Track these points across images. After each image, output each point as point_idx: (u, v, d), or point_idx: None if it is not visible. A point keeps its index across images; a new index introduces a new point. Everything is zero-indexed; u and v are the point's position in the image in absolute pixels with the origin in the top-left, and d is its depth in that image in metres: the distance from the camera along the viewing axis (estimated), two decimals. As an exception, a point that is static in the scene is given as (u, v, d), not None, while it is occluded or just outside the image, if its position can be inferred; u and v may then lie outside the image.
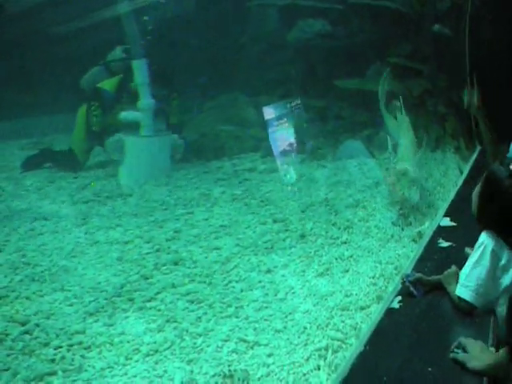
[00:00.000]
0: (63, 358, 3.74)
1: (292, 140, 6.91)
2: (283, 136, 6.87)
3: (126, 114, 7.73)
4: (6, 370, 3.67)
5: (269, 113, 6.77)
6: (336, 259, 4.91)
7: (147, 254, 5.14)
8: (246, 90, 9.23)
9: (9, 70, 9.51)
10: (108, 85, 7.97)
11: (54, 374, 3.61)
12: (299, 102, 6.98)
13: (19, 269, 4.94)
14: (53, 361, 3.73)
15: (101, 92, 7.94)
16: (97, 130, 7.90)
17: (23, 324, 4.12)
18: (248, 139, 8.45)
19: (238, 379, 3.43)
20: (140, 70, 7.54)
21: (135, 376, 3.54)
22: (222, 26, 9.88)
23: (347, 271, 4.71)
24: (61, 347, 3.84)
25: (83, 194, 6.90)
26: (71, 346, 3.84)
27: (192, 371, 3.56)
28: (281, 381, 3.44)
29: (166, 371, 3.57)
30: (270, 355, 3.68)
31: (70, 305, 4.33)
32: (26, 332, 4.02)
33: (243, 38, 9.85)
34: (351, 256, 4.96)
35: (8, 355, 3.81)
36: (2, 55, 9.10)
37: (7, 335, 4.00)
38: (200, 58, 9.63)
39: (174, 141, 7.92)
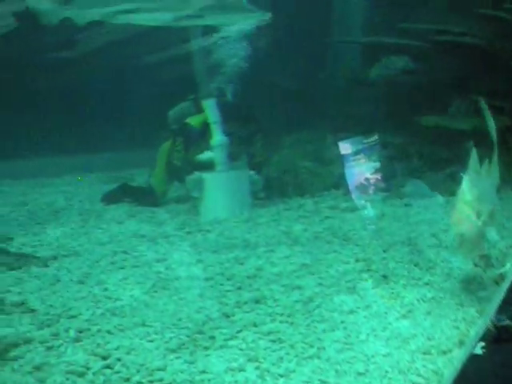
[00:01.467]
0: (148, 396, 3.72)
1: (373, 177, 6.83)
2: (364, 173, 6.80)
3: (200, 156, 7.78)
4: (87, 404, 3.68)
5: (348, 149, 6.71)
6: (418, 301, 4.80)
7: (228, 291, 5.11)
8: (327, 126, 9.20)
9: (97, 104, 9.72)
10: (195, 121, 8.04)
11: (137, 414, 3.59)
12: (379, 138, 6.91)
13: (101, 302, 4.97)
14: (135, 399, 3.72)
15: (188, 128, 8.02)
16: (178, 166, 7.96)
17: (104, 358, 4.12)
18: (329, 176, 8.38)
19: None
20: (211, 109, 7.64)
21: (215, 417, 3.50)
22: (300, 62, 9.90)
23: (429, 313, 4.60)
24: (141, 383, 3.83)
25: (163, 228, 6.94)
26: (152, 382, 3.81)
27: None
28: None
29: (244, 411, 3.52)
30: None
31: (151, 340, 4.31)
32: (108, 366, 4.02)
33: (323, 75, 9.84)
34: (433, 298, 4.84)
35: (89, 389, 3.82)
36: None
37: (88, 369, 4.00)
38: (280, 94, 9.66)
39: (251, 177, 7.91)
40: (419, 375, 3.76)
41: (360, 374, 3.83)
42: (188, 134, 7.99)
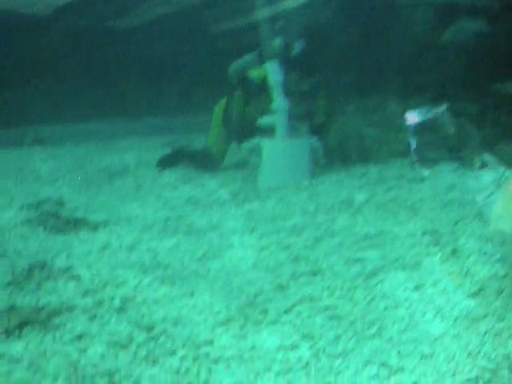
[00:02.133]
0: (188, 369, 3.48)
1: (443, 147, 6.47)
2: (433, 143, 6.46)
3: (260, 121, 7.49)
4: (128, 377, 3.46)
5: (417, 118, 6.38)
6: (490, 278, 4.43)
7: (284, 262, 4.85)
8: (395, 92, 8.80)
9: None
10: (256, 74, 7.71)
11: (177, 387, 3.36)
12: (451, 106, 6.54)
13: (149, 270, 4.78)
14: (177, 372, 3.48)
15: (248, 80, 7.69)
16: (236, 125, 7.67)
17: (149, 329, 3.92)
18: (396, 144, 7.98)
19: (380, 409, 3.04)
20: (273, 71, 7.33)
21: (265, 397, 3.23)
22: (368, 26, 9.54)
23: (501, 292, 4.24)
24: (187, 357, 3.59)
25: (218, 195, 6.71)
26: (198, 357, 3.58)
27: (328, 396, 3.21)
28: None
29: (299, 394, 3.23)
30: (415, 383, 3.29)
31: (200, 312, 4.09)
32: (152, 338, 3.82)
33: (391, 39, 9.42)
34: (506, 275, 4.45)
35: (131, 362, 3.61)
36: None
37: (132, 340, 3.81)
38: (346, 58, 9.31)
39: (313, 144, 7.58)
40: (489, 359, 3.45)
41: (425, 356, 3.53)
42: (248, 87, 7.66)
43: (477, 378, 3.27)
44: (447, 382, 3.28)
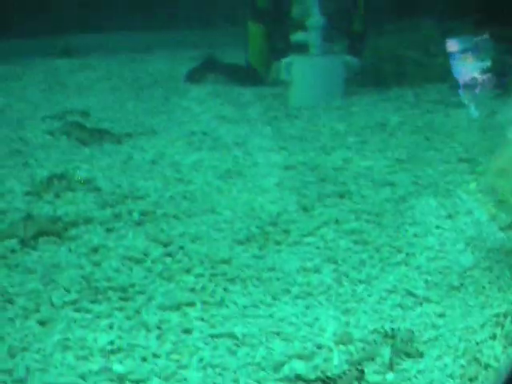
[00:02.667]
0: (204, 288, 3.37)
1: (486, 73, 6.19)
2: (475, 67, 6.18)
3: (294, 37, 7.21)
4: (142, 293, 3.37)
5: (458, 41, 6.10)
6: (526, 211, 4.23)
7: (310, 182, 4.68)
8: (433, 14, 8.42)
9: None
10: None
11: (191, 304, 3.24)
12: (494, 30, 6.23)
13: (171, 184, 4.66)
14: (192, 290, 3.37)
15: None
16: (278, 43, 7.44)
17: (166, 245, 3.80)
18: (435, 68, 7.66)
19: (401, 340, 2.88)
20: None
21: (282, 320, 3.09)
22: None
23: (537, 226, 4.04)
24: (203, 276, 3.48)
25: (247, 111, 6.50)
26: (214, 275, 3.46)
27: (348, 323, 3.07)
28: (450, 347, 2.89)
29: (317, 319, 3.10)
30: (441, 315, 3.14)
31: (219, 230, 3.96)
32: (168, 254, 3.70)
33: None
34: (544, 209, 4.26)
35: (145, 277, 3.51)
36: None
37: (147, 255, 3.70)
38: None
39: (348, 62, 7.30)
40: (521, 296, 3.25)
41: (453, 287, 3.39)
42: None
43: (506, 313, 3.10)
44: (475, 315, 3.14)
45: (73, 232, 4.02)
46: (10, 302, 3.40)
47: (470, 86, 6.23)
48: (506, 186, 3.63)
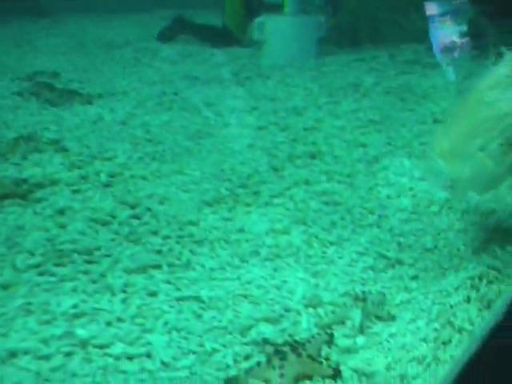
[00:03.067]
0: (171, 250, 3.30)
1: (463, 35, 6.12)
2: (453, 30, 6.11)
3: None
4: (108, 256, 3.29)
5: (437, 4, 6.02)
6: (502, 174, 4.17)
7: (281, 142, 4.61)
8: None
9: None
10: None
11: (158, 267, 3.18)
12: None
13: (140, 145, 4.56)
14: (159, 252, 3.30)
15: None
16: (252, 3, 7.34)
17: (133, 207, 3.72)
18: (411, 28, 7.56)
19: (372, 303, 2.82)
20: None
21: (249, 283, 3.04)
22: None
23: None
24: (170, 238, 3.41)
25: (219, 71, 6.40)
26: (181, 237, 3.39)
27: (317, 285, 3.02)
28: (423, 311, 2.84)
29: (285, 282, 3.04)
30: (413, 278, 3.10)
31: (187, 191, 3.88)
32: (135, 216, 3.62)
33: None
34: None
35: (112, 240, 3.43)
36: None
37: (114, 218, 3.62)
38: None
39: (321, 22, 7.19)
40: (496, 258, 3.23)
41: (427, 249, 3.35)
42: None
43: (481, 276, 3.05)
44: (449, 278, 3.10)
45: (38, 194, 3.92)
46: (-28, 266, 3.32)
47: (448, 48, 6.15)
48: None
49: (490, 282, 3.00)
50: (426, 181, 3.85)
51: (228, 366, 2.55)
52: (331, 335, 2.66)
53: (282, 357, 2.45)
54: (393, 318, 2.80)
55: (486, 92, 3.31)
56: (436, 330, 2.70)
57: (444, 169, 3.20)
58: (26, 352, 2.68)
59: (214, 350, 2.63)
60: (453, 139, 3.25)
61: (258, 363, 2.48)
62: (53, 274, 3.17)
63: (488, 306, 2.84)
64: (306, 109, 5.34)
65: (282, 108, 5.33)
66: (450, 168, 3.19)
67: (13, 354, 2.68)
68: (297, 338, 2.64)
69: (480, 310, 2.82)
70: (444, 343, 2.63)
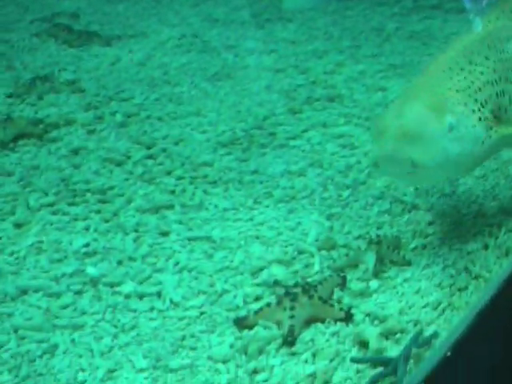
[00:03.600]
0: (184, 190, 3.28)
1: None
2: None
3: None
4: (121, 195, 3.29)
5: None
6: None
7: (300, 85, 4.53)
8: None
9: None
10: None
11: (170, 207, 3.17)
12: None
13: (158, 86, 4.52)
14: (172, 192, 3.29)
15: None
16: None
17: (148, 147, 3.70)
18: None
19: (388, 247, 2.76)
20: None
21: (262, 224, 3.02)
22: None
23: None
24: (183, 178, 3.39)
25: (240, 13, 6.27)
26: (195, 178, 3.37)
27: (331, 228, 2.98)
28: (439, 256, 2.78)
29: (299, 223, 3.01)
30: (430, 224, 3.02)
31: (203, 132, 3.85)
32: (150, 157, 3.61)
33: None
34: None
35: (126, 180, 3.42)
36: None
37: (129, 158, 3.61)
38: None
39: None
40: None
41: (445, 195, 3.27)
42: None
43: (500, 224, 2.97)
44: (466, 224, 3.02)
45: (53, 134, 3.92)
46: (-14, 205, 3.31)
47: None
48: None
49: (509, 231, 2.95)
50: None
51: (238, 307, 2.54)
52: (344, 278, 2.63)
53: (293, 298, 2.43)
54: (408, 262, 2.76)
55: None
56: (452, 276, 2.67)
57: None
58: (36, 290, 2.69)
59: (225, 291, 2.62)
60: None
61: (269, 304, 2.46)
62: (65, 213, 3.17)
63: (506, 254, 2.79)
64: (326, 52, 5.24)
65: (302, 51, 5.23)
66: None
67: (24, 292, 2.69)
68: (309, 280, 2.61)
69: (498, 257, 2.78)
70: (460, 290, 2.60)
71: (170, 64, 4.92)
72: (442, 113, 2.69)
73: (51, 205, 3.24)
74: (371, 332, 2.35)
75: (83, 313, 2.56)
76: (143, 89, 4.47)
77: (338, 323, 2.42)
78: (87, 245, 2.92)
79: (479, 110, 2.82)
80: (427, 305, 2.51)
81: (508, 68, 3.08)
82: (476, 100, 2.84)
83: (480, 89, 2.89)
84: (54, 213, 3.19)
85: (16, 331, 2.49)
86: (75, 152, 3.71)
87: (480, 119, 2.79)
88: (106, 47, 5.37)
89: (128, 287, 2.66)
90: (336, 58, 5.10)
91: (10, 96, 4.46)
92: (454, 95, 2.81)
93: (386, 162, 2.64)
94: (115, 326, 2.48)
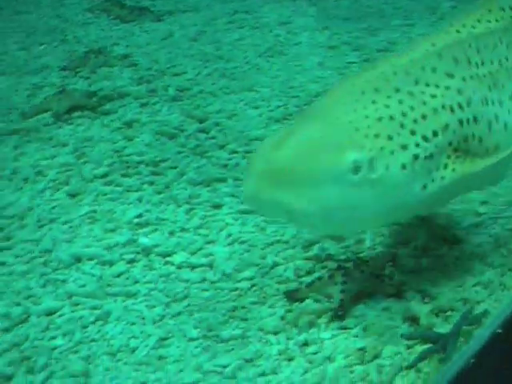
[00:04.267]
0: (237, 164, 3.31)
1: None
2: None
3: None
4: (174, 168, 3.32)
5: None
6: None
7: (352, 63, 4.48)
8: None
9: None
10: None
11: (223, 180, 3.19)
12: None
13: (210, 62, 4.52)
14: (224, 166, 3.31)
15: None
16: None
17: (201, 121, 3.72)
18: None
19: (438, 225, 2.77)
20: None
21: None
22: None
23: None
24: (236, 152, 3.41)
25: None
26: (248, 152, 3.35)
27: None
28: (491, 236, 2.75)
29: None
30: (483, 203, 2.96)
31: (256, 107, 3.85)
32: (203, 130, 3.63)
33: None
34: None
35: (178, 153, 3.45)
36: None
37: (182, 131, 3.64)
38: None
39: None
40: None
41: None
42: None
43: None
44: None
45: (107, 107, 3.96)
46: (42, 174, 3.37)
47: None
48: None
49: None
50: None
51: (289, 280, 2.54)
52: (395, 255, 2.62)
53: (345, 273, 2.43)
54: (459, 241, 2.73)
55: None
56: (503, 256, 2.63)
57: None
58: (90, 258, 2.74)
59: (276, 264, 2.63)
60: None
61: (320, 278, 2.46)
62: (119, 185, 3.21)
63: None
64: (379, 30, 5.15)
65: (354, 28, 5.15)
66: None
67: (77, 260, 2.74)
68: (361, 255, 2.60)
69: None
70: (511, 269, 2.56)
71: (223, 40, 4.91)
72: (341, 147, 2.08)
73: (104, 176, 3.29)
74: (421, 309, 2.35)
75: (135, 281, 2.60)
76: (195, 64, 4.47)
77: (389, 299, 2.41)
78: (140, 215, 2.96)
79: (417, 146, 2.17)
80: (478, 283, 2.49)
81: (494, 83, 2.47)
82: (413, 132, 2.17)
83: (425, 117, 2.23)
84: (107, 184, 3.23)
85: (70, 297, 2.54)
86: (128, 125, 3.74)
87: (416, 157, 2.16)
88: (158, 22, 5.38)
89: (180, 258, 2.69)
90: (389, 35, 5.01)
91: (63, 69, 4.52)
92: (372, 125, 2.14)
93: (250, 202, 2.18)
94: (167, 296, 2.51)
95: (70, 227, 2.94)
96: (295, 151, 2.08)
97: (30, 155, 3.55)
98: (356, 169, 2.07)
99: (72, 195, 3.17)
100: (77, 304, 2.50)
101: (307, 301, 2.41)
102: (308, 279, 2.50)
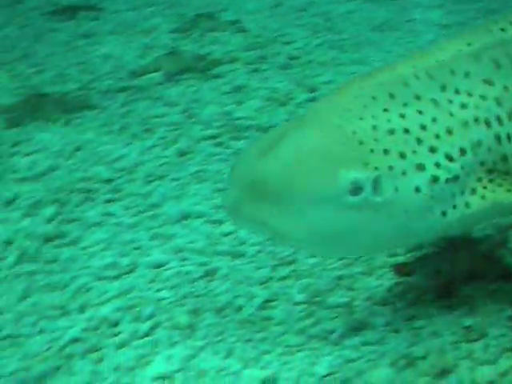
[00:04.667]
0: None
1: None
2: None
3: None
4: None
5: None
6: None
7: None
8: None
9: None
10: None
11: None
12: None
13: (320, 33, 4.47)
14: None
15: None
16: None
17: (311, 91, 3.69)
18: None
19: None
20: None
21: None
22: None
23: None
24: None
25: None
26: None
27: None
28: None
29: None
30: None
31: None
32: (313, 99, 3.55)
33: None
34: None
35: (288, 120, 3.39)
36: None
37: (291, 99, 3.62)
38: None
39: None
40: None
41: None
42: None
43: None
44: None
45: (216, 70, 3.98)
46: (151, 131, 3.41)
47: None
48: None
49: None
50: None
51: (397, 253, 2.50)
52: (506, 237, 2.57)
53: (455, 251, 2.40)
54: None
55: None
56: None
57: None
58: (198, 216, 2.76)
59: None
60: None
61: (429, 254, 2.44)
62: (228, 147, 3.23)
63: None
64: (494, 11, 4.94)
65: (470, 8, 5.01)
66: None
67: (186, 216, 2.76)
68: (470, 236, 2.56)
69: None
70: None
71: (333, 11, 4.84)
72: (338, 162, 1.77)
73: (214, 137, 3.31)
74: (531, 293, 2.30)
75: (243, 242, 2.61)
76: (305, 34, 4.44)
77: (498, 281, 2.37)
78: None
79: (437, 166, 1.86)
80: None
81: None
82: (433, 149, 1.86)
83: (450, 131, 1.90)
84: (216, 145, 3.25)
85: (177, 252, 2.57)
86: (238, 89, 3.75)
87: (435, 180, 1.86)
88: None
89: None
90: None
91: (174, 31, 4.55)
92: (381, 138, 1.83)
93: (229, 214, 1.88)
94: (274, 259, 2.52)
95: (178, 184, 2.97)
96: (282, 162, 1.78)
97: (139, 113, 3.60)
98: (356, 190, 1.77)
99: (181, 153, 3.20)
100: (185, 259, 2.54)
101: (415, 276, 2.38)
102: (417, 254, 2.47)
